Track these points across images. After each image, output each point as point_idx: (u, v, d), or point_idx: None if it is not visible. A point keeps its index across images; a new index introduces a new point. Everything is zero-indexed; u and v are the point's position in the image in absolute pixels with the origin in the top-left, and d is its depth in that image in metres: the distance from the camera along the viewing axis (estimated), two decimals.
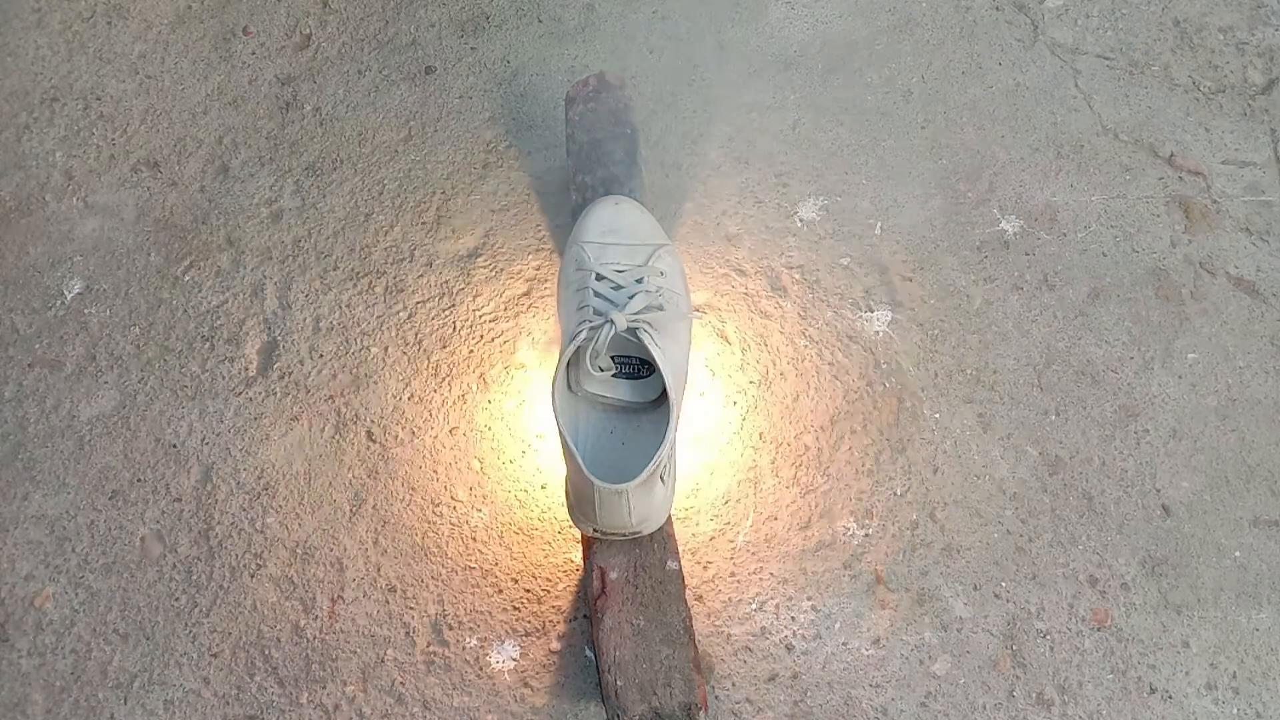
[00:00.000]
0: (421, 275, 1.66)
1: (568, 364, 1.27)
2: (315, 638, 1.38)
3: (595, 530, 1.32)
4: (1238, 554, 1.43)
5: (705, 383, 1.55)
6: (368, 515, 1.46)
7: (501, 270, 1.66)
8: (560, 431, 1.23)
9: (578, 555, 1.42)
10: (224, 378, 1.58)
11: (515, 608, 1.40)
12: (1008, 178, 1.75)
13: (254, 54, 1.93)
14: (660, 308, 1.32)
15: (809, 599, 1.39)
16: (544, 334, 1.56)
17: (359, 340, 1.61)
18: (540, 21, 1.92)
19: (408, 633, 1.38)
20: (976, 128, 1.81)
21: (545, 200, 1.71)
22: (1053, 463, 1.50)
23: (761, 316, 1.62)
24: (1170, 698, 1.33)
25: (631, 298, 1.31)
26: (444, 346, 1.60)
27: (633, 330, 1.27)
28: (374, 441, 1.52)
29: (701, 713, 1.27)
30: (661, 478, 1.26)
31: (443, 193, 1.73)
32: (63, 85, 1.90)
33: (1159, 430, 1.52)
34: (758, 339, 1.60)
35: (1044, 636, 1.37)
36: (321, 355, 1.59)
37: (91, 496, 1.49)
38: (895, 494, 1.47)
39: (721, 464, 1.49)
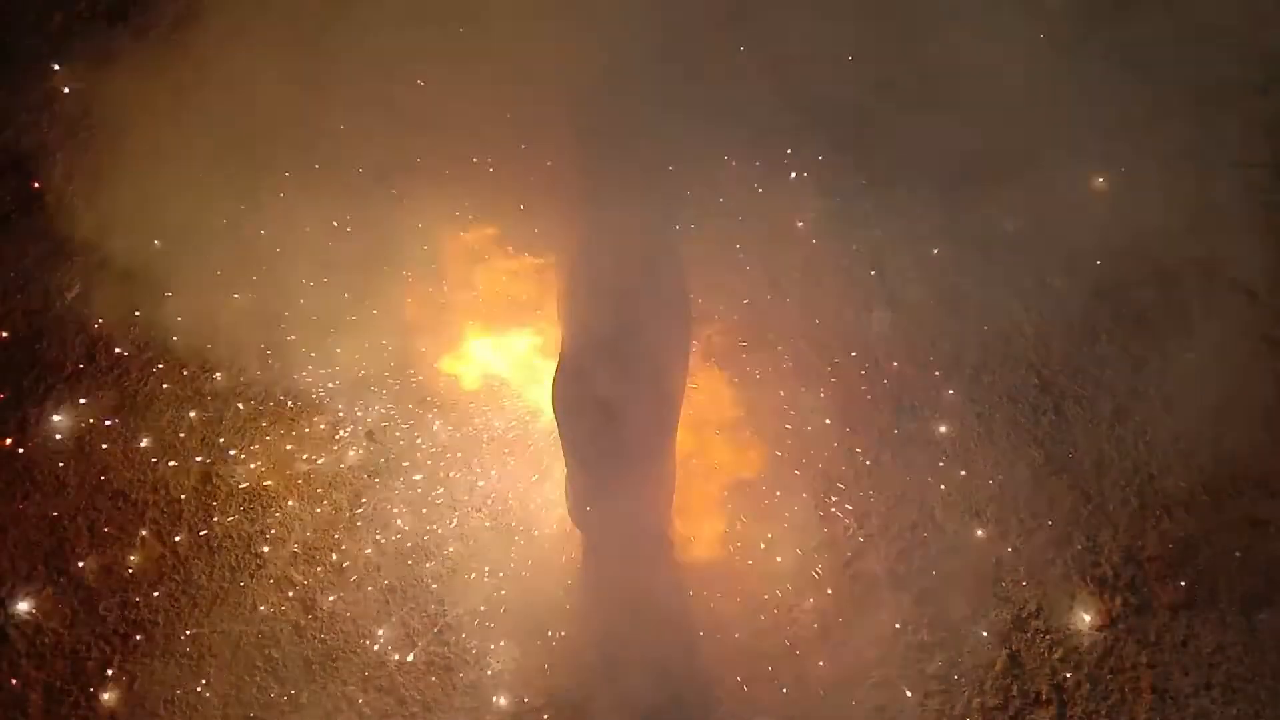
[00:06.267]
0: (421, 276, 1.66)
1: (569, 364, 1.27)
2: (315, 638, 1.38)
3: (594, 528, 1.32)
4: (1238, 554, 1.43)
5: (705, 382, 1.55)
6: (368, 515, 1.46)
7: (502, 270, 1.66)
8: (560, 431, 1.23)
9: (577, 556, 1.42)
10: (224, 378, 1.58)
11: (514, 608, 1.40)
12: (1009, 177, 1.75)
13: None
14: (661, 307, 1.32)
15: (809, 599, 1.39)
16: (545, 334, 1.56)
17: (361, 344, 1.60)
18: (540, 20, 1.92)
19: (408, 633, 1.38)
20: (978, 128, 1.80)
21: (548, 201, 1.70)
22: (1053, 462, 1.50)
23: (761, 317, 1.62)
24: (1170, 698, 1.33)
25: (632, 298, 1.31)
26: (444, 347, 1.60)
27: (633, 330, 1.27)
28: (374, 441, 1.52)
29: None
30: (661, 477, 1.26)
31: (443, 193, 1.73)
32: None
33: (1159, 430, 1.52)
34: (756, 339, 1.59)
35: (1044, 636, 1.38)
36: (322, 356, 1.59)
37: (91, 496, 1.49)
38: (895, 494, 1.47)
39: (722, 464, 1.49)
